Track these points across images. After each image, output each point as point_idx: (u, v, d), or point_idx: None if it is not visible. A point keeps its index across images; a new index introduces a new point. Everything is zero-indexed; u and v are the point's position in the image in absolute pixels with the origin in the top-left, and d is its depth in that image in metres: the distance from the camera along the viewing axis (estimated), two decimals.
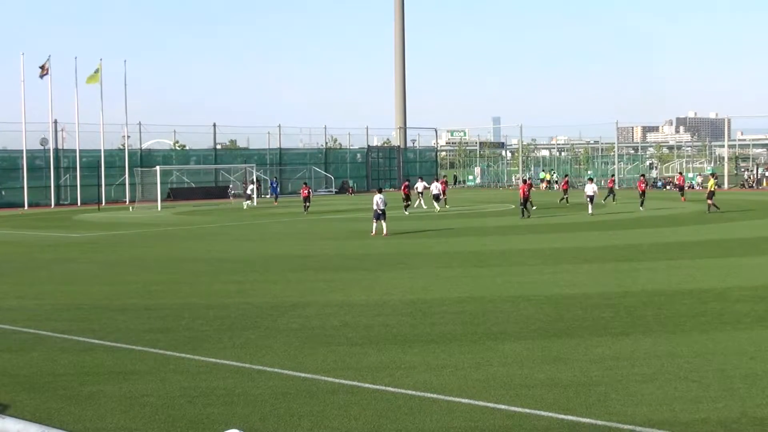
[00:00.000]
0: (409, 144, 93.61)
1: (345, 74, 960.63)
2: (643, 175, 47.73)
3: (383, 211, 30.81)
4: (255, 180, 59.18)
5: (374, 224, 31.04)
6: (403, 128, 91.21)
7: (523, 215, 37.94)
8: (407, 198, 44.09)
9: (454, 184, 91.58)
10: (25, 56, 58.27)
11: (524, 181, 41.19)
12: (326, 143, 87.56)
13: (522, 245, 26.69)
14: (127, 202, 58.00)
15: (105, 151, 62.39)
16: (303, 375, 10.84)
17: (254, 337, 13.24)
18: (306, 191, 45.11)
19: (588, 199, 40.13)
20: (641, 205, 42.83)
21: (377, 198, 31.15)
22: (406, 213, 42.13)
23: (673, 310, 14.97)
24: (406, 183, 46.33)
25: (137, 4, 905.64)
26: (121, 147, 67.64)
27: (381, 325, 14.08)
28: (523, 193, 38.24)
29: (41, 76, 58.03)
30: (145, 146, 73.49)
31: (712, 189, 40.69)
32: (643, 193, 43.98)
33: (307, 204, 44.93)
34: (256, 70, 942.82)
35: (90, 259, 25.14)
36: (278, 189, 60.13)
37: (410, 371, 10.96)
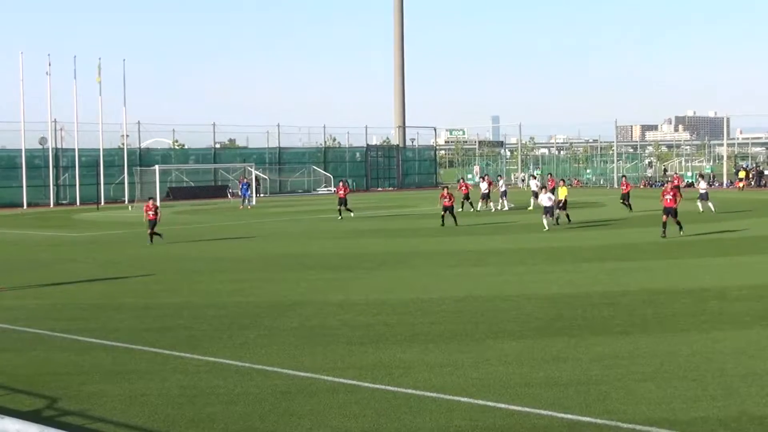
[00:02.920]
0: (408, 143, 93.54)
1: (344, 74, 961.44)
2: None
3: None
4: (255, 179, 59.11)
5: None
6: (402, 127, 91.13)
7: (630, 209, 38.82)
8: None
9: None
10: (24, 55, 58.05)
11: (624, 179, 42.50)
12: (325, 142, 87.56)
13: (521, 244, 26.69)
14: (126, 202, 57.97)
15: (104, 150, 62.29)
16: (302, 374, 10.85)
17: (254, 337, 13.24)
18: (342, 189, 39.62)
19: (545, 212, 31.61)
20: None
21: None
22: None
23: (672, 309, 14.98)
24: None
25: (137, 4, 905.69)
26: (120, 146, 67.56)
27: (380, 324, 14.09)
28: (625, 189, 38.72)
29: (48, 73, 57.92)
30: (144, 145, 73.38)
31: None
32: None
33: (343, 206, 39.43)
34: (256, 70, 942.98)
35: (89, 259, 25.13)
36: (249, 192, 52.67)
37: (410, 370, 10.97)
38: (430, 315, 14.81)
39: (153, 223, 28.72)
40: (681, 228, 27.33)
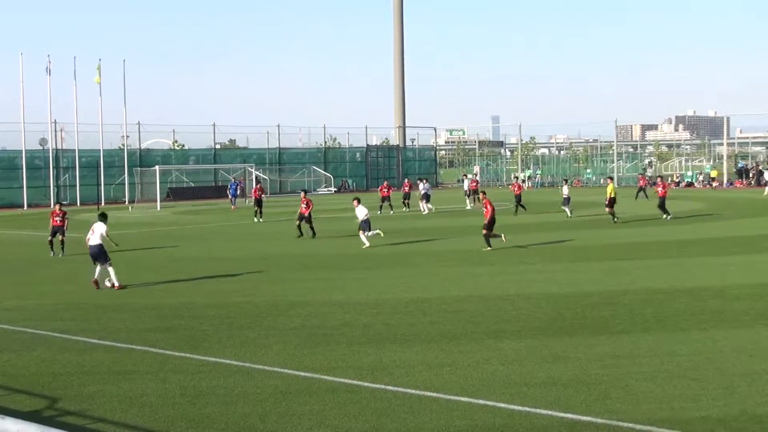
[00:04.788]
0: (408, 143, 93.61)
1: (344, 74, 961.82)
2: None
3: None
4: (255, 179, 59.03)
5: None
6: (402, 127, 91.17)
7: None
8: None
9: (457, 182, 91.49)
10: (24, 56, 58.07)
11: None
12: (325, 142, 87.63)
13: (521, 244, 26.67)
14: (127, 202, 57.99)
15: (104, 150, 62.32)
16: (302, 374, 10.85)
17: (254, 336, 13.24)
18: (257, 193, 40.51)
19: (360, 228, 26.64)
20: None
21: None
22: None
23: (672, 308, 14.98)
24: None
25: (137, 4, 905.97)
26: (121, 147, 67.63)
27: (380, 323, 14.09)
28: None
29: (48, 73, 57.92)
30: (144, 146, 73.43)
31: None
32: None
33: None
34: (256, 70, 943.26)
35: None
36: (237, 192, 52.89)
37: (410, 370, 10.97)
38: (430, 315, 14.81)
39: (61, 231, 25.32)
40: (489, 245, 24.29)
